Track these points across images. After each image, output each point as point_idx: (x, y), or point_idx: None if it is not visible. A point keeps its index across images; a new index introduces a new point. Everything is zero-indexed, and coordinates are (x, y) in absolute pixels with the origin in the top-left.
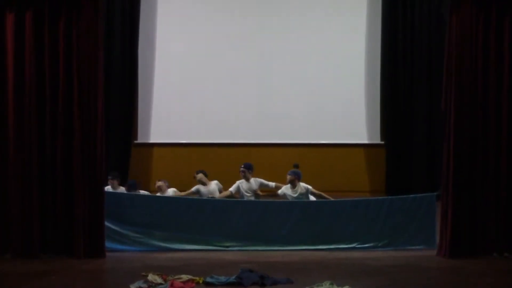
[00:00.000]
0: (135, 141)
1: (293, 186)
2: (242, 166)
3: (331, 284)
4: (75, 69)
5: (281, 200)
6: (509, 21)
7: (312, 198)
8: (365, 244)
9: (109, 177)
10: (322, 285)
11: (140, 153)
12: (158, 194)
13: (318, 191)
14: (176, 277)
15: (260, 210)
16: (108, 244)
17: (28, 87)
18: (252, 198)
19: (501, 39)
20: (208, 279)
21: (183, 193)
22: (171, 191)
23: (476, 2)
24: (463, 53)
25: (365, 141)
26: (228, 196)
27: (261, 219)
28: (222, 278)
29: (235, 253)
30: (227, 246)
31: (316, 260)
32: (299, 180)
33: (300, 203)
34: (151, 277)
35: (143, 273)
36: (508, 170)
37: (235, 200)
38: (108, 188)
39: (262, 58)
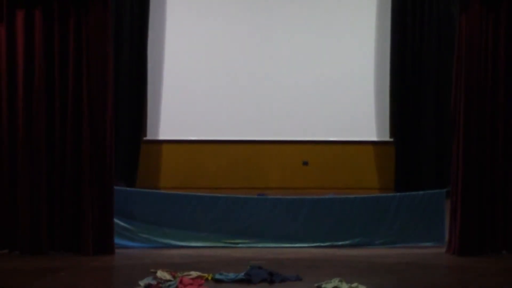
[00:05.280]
0: (144, 138)
1: None
2: None
3: (340, 281)
4: (84, 66)
5: (290, 197)
6: None
7: None
8: (374, 241)
9: None
10: (331, 282)
11: (149, 150)
12: None
13: None
14: (185, 273)
15: (269, 207)
16: (117, 241)
17: (38, 83)
18: None
19: (510, 39)
20: (217, 276)
21: None
22: None
23: (485, 2)
24: (472, 52)
25: (374, 138)
26: None
27: (270, 216)
28: (231, 275)
29: (244, 250)
30: (237, 243)
31: (325, 257)
32: None
33: (309, 200)
34: (160, 273)
35: (152, 270)
36: None
37: (245, 197)
38: None
39: (271, 55)
